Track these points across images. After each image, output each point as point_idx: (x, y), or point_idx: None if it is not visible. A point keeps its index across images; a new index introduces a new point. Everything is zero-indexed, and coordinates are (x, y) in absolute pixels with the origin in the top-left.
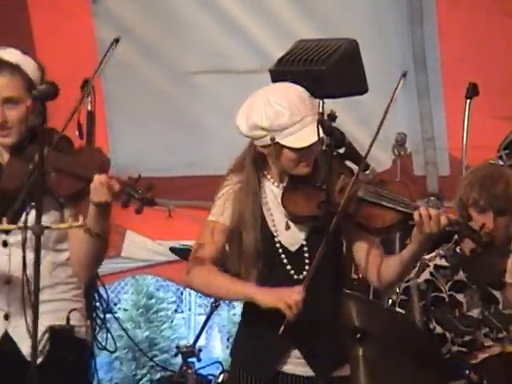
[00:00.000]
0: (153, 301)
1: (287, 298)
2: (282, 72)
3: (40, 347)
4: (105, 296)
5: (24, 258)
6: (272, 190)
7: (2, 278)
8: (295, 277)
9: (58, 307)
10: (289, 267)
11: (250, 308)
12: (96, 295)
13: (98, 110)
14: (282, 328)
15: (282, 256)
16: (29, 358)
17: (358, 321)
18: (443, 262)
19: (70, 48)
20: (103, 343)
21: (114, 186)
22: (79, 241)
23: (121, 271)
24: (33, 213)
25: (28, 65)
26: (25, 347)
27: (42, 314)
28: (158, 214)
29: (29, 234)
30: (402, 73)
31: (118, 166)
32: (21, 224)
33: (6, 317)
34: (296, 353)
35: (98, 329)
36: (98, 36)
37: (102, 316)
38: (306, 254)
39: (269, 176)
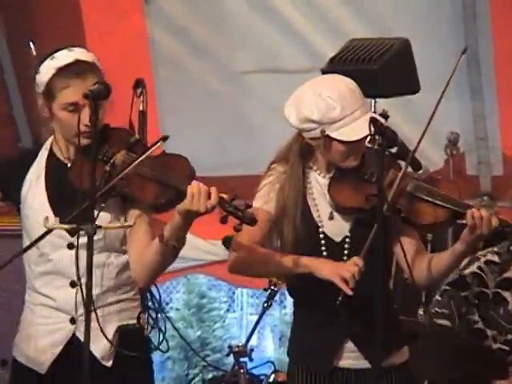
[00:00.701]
0: (205, 300)
1: (343, 272)
2: (333, 71)
3: (112, 348)
4: (157, 296)
5: (90, 253)
6: (317, 180)
7: (67, 281)
8: (338, 302)
9: (123, 307)
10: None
11: (302, 305)
12: (148, 295)
13: (149, 110)
14: (340, 299)
15: (323, 248)
16: (101, 359)
17: None
18: (495, 258)
19: (122, 48)
20: (156, 343)
21: (212, 197)
22: (154, 252)
23: (173, 271)
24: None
25: (99, 63)
26: (96, 348)
27: (109, 315)
28: (210, 214)
29: (96, 236)
30: (463, 49)
31: None
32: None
33: (73, 320)
34: (350, 346)
35: (150, 329)
36: (150, 36)
37: (154, 316)
38: (347, 245)
39: (315, 167)
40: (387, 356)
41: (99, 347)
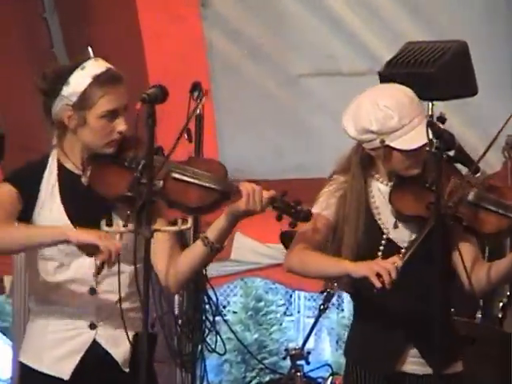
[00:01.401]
0: (262, 303)
1: (377, 267)
2: (390, 74)
3: (129, 353)
4: (214, 299)
5: (148, 256)
6: (380, 189)
7: (87, 288)
8: (374, 291)
9: (138, 315)
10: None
11: (366, 308)
12: (205, 298)
13: (206, 113)
14: (375, 291)
15: (379, 253)
16: (122, 365)
17: None
18: None
19: (179, 51)
20: (213, 346)
21: (264, 195)
22: (194, 256)
23: (230, 274)
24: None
25: None
26: (116, 352)
27: (127, 321)
28: (266, 217)
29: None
30: None
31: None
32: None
33: (92, 326)
34: (413, 351)
35: (207, 331)
36: (207, 39)
37: (211, 319)
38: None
39: (377, 176)
40: (449, 363)
41: (120, 352)
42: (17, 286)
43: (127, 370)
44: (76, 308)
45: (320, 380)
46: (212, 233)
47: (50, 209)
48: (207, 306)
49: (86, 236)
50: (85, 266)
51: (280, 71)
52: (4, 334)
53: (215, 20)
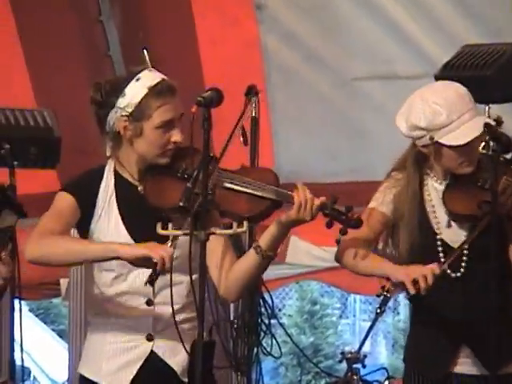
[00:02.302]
0: (317, 307)
1: (415, 273)
2: (447, 77)
3: (187, 362)
4: (269, 302)
5: (203, 260)
6: (435, 188)
7: (144, 299)
8: (452, 275)
9: (195, 325)
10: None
11: (422, 312)
12: (261, 301)
13: (262, 117)
14: (407, 296)
15: (441, 254)
16: (180, 375)
17: None
18: None
19: (235, 55)
20: (268, 349)
21: (315, 203)
22: (248, 265)
23: (285, 277)
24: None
25: None
26: (174, 362)
27: (182, 333)
28: (322, 220)
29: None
30: None
31: (281, 172)
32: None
33: (150, 337)
34: (466, 352)
35: (263, 334)
36: (262, 42)
37: (266, 322)
38: (465, 252)
39: (432, 174)
40: (505, 363)
41: (178, 362)
42: (73, 288)
43: (185, 379)
44: (133, 320)
45: (376, 383)
46: (264, 241)
47: (108, 219)
48: (263, 309)
49: (137, 250)
50: (142, 277)
51: (335, 74)
52: (60, 337)
53: (271, 23)
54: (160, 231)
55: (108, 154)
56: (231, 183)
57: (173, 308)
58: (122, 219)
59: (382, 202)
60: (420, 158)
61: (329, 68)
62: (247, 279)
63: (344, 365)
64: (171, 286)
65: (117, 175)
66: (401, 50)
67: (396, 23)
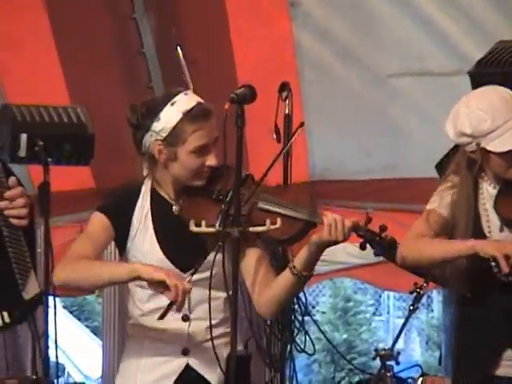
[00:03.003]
0: (351, 304)
1: (506, 249)
2: (481, 74)
3: (223, 376)
4: (303, 299)
5: (236, 257)
6: (489, 192)
7: (179, 315)
8: (502, 278)
9: (228, 340)
10: (496, 269)
11: (467, 311)
12: (294, 298)
13: (295, 113)
14: (500, 274)
15: (491, 258)
16: None
17: None
18: None
19: (268, 51)
20: (302, 346)
21: (346, 224)
22: (284, 285)
23: (318, 274)
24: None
25: None
26: (211, 376)
27: (219, 347)
28: (356, 217)
29: (206, 274)
30: None
31: (315, 170)
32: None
33: (185, 352)
34: (509, 354)
35: (296, 331)
36: (295, 39)
37: (300, 319)
38: None
39: (485, 178)
40: None
41: (215, 376)
42: None
43: None
44: (169, 334)
45: (410, 381)
46: (299, 262)
47: (144, 237)
48: (296, 307)
49: (156, 273)
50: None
51: (369, 71)
52: (94, 334)
53: (304, 20)
54: (193, 229)
55: (144, 174)
56: (266, 204)
57: (211, 324)
58: (157, 237)
59: (440, 204)
60: (472, 162)
61: (362, 65)
62: (283, 298)
63: (377, 362)
64: (210, 303)
65: (153, 193)
66: (435, 47)
67: (430, 20)
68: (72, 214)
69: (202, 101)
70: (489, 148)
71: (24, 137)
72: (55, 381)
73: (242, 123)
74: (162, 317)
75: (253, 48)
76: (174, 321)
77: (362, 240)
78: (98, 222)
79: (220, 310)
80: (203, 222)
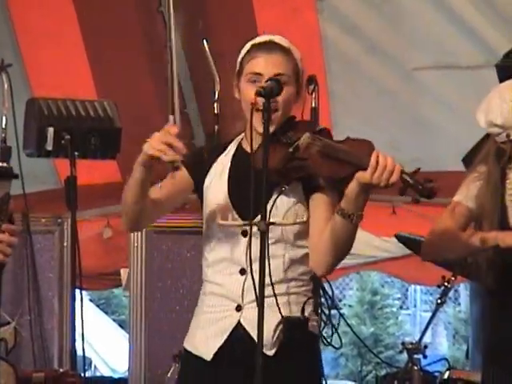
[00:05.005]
0: (378, 297)
1: None
2: (508, 67)
3: (274, 338)
4: (330, 292)
5: (263, 249)
6: None
7: (238, 268)
8: None
9: (291, 300)
10: None
11: (503, 303)
12: (321, 291)
13: (322, 107)
14: None
15: None
16: (264, 348)
17: None
18: None
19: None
20: (329, 339)
21: (395, 169)
22: (332, 228)
23: (345, 267)
24: (281, 200)
25: (297, 53)
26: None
27: (275, 306)
28: (382, 211)
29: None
30: None
31: None
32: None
33: (239, 308)
34: None
35: (323, 325)
36: (322, 33)
37: (327, 312)
38: None
39: None
40: None
41: (264, 336)
42: (133, 278)
43: (271, 352)
44: (226, 288)
45: (437, 374)
46: (345, 202)
47: (216, 186)
48: (323, 300)
49: (146, 150)
50: (239, 245)
51: (396, 64)
52: (121, 327)
53: (331, 13)
54: (219, 221)
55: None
56: (323, 148)
57: (262, 290)
58: (228, 186)
59: (466, 196)
60: (501, 152)
61: (389, 58)
62: (332, 245)
63: (404, 355)
64: (267, 258)
65: (239, 147)
66: (462, 40)
67: (457, 13)
68: (99, 208)
69: (278, 41)
70: None
71: (51, 130)
72: (82, 374)
73: (268, 116)
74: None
75: None
76: (232, 274)
77: (402, 185)
78: (179, 172)
79: (283, 269)
80: (230, 215)
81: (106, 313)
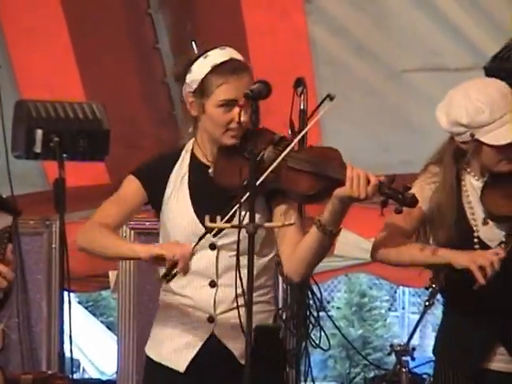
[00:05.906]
0: (366, 299)
1: (481, 259)
2: (496, 69)
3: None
4: (318, 294)
5: (251, 250)
6: (473, 184)
7: (207, 281)
8: (477, 288)
9: (259, 309)
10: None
11: (454, 305)
12: (309, 293)
13: (310, 109)
14: (475, 287)
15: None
16: (239, 358)
17: None
18: None
19: (283, 47)
20: (317, 341)
21: (371, 181)
22: (310, 241)
23: (334, 269)
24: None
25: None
26: (234, 346)
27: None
28: (370, 213)
29: (234, 238)
30: None
31: None
32: (234, 224)
33: (211, 319)
34: (501, 349)
35: (311, 327)
36: (310, 35)
37: (315, 314)
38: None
39: (469, 169)
40: None
41: (238, 346)
42: (121, 281)
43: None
44: (195, 300)
45: (425, 376)
46: (323, 217)
47: (177, 198)
48: (311, 302)
49: (152, 250)
50: (206, 258)
51: (384, 67)
52: (109, 329)
53: (319, 15)
54: (208, 224)
55: (190, 130)
56: (294, 162)
57: (236, 292)
58: (191, 199)
59: (421, 197)
60: (458, 153)
61: (378, 60)
62: (311, 258)
63: (393, 357)
64: (237, 268)
65: (193, 156)
66: (450, 42)
67: (446, 15)
68: (87, 209)
69: (237, 57)
70: (484, 140)
71: (39, 132)
72: (70, 376)
73: (256, 119)
74: (164, 277)
75: (268, 43)
76: (200, 286)
77: (383, 198)
78: (128, 184)
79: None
80: (218, 218)
81: (94, 315)
